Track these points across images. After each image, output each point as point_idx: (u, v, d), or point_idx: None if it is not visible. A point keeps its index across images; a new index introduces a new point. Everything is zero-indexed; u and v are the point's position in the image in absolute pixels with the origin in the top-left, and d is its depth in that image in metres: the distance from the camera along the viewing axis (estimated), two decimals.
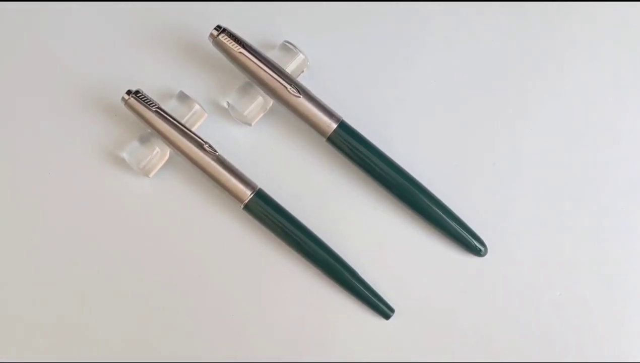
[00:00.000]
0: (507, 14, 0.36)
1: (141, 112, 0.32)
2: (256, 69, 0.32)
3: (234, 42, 0.32)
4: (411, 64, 0.35)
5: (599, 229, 0.34)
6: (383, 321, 0.33)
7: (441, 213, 0.33)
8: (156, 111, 0.32)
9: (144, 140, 0.34)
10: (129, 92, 0.32)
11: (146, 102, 0.32)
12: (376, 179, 0.33)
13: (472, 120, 0.35)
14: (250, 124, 0.34)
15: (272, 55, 0.34)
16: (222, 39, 0.32)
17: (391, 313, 0.33)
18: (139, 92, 0.33)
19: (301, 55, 0.34)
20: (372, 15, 0.36)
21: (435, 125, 0.35)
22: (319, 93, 0.33)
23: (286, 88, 0.32)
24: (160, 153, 0.34)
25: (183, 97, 0.34)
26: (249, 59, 0.32)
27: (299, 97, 0.33)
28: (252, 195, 0.33)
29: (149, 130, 0.33)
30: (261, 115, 0.34)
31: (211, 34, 0.33)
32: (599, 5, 0.36)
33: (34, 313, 0.34)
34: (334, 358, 0.33)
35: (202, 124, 0.34)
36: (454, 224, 0.33)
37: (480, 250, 0.33)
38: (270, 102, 0.34)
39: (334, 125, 0.33)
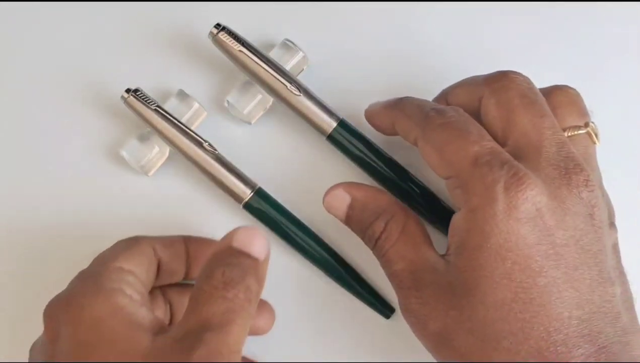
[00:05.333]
0: (509, 12, 0.36)
1: (140, 111, 0.32)
2: (256, 68, 0.32)
3: (233, 40, 0.32)
4: (411, 62, 0.35)
5: None
6: (383, 320, 0.33)
7: (442, 211, 0.33)
8: (155, 109, 0.32)
9: (143, 138, 0.34)
10: (128, 91, 0.32)
11: (145, 101, 0.32)
12: (376, 177, 0.33)
13: None
14: (250, 123, 0.34)
15: (272, 53, 0.34)
16: (222, 37, 0.32)
17: (391, 313, 0.33)
18: (138, 90, 0.32)
19: (301, 53, 0.34)
20: (372, 13, 0.36)
21: None
22: (319, 91, 0.33)
23: (286, 86, 0.32)
24: (159, 151, 0.34)
25: (182, 96, 0.34)
26: (249, 57, 0.32)
27: (299, 95, 0.32)
28: (252, 193, 0.33)
29: (149, 129, 0.33)
30: (261, 113, 0.34)
31: (211, 32, 0.32)
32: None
33: (34, 314, 0.34)
34: (333, 357, 0.33)
35: (202, 123, 0.34)
36: None
37: None
38: (270, 100, 0.34)
39: (334, 124, 0.32)
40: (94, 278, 0.27)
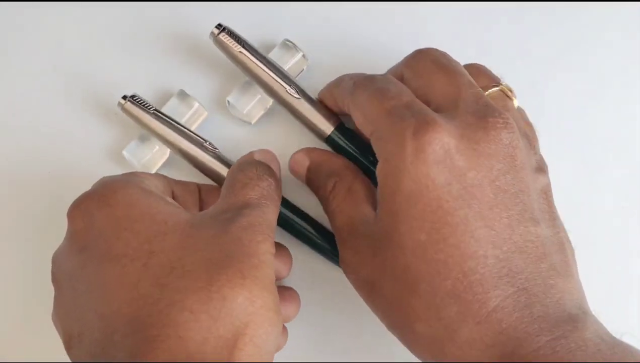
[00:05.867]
0: (511, 13, 0.36)
1: (138, 116, 0.32)
2: (256, 69, 0.32)
3: (234, 41, 0.32)
4: None
5: (600, 230, 0.34)
6: None
7: None
8: (154, 113, 0.32)
9: (144, 138, 0.34)
10: (124, 97, 0.32)
11: (143, 105, 0.32)
12: (374, 180, 0.33)
13: None
14: (250, 122, 0.34)
15: (272, 53, 0.34)
16: (223, 38, 0.32)
17: None
18: (135, 96, 0.32)
19: (301, 53, 0.34)
20: (372, 14, 0.36)
21: None
22: (318, 91, 0.33)
23: (285, 89, 0.32)
24: (160, 151, 0.34)
25: (183, 96, 0.34)
26: (249, 58, 0.32)
27: (299, 98, 0.32)
28: None
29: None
30: (261, 113, 0.34)
31: (212, 33, 0.32)
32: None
33: (36, 316, 0.34)
34: (338, 353, 0.34)
35: (203, 123, 0.34)
36: None
37: None
38: (270, 100, 0.34)
39: (332, 128, 0.33)
40: (116, 177, 0.28)
